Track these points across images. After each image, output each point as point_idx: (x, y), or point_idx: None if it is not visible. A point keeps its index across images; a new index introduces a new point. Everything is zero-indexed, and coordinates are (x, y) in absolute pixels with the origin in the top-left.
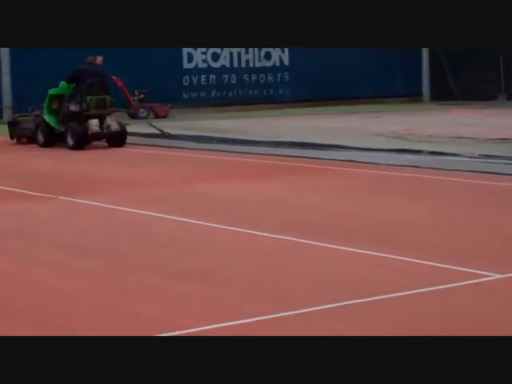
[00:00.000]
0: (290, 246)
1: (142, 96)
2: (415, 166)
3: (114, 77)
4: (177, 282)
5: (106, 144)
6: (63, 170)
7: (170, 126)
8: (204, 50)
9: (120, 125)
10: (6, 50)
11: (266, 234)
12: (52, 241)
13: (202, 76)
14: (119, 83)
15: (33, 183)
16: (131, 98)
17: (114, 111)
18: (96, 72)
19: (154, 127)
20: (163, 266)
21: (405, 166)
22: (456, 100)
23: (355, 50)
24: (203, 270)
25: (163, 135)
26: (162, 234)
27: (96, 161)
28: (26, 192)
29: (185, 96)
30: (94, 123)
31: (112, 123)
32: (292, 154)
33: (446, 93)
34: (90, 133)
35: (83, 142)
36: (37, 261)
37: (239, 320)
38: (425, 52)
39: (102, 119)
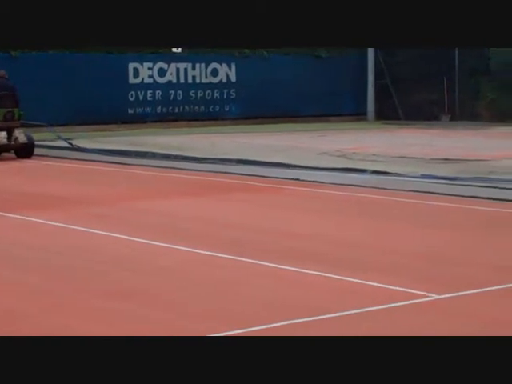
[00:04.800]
0: (229, 265)
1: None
2: (359, 186)
3: None
4: (110, 299)
5: (14, 155)
6: None
7: (115, 141)
8: (150, 65)
9: (28, 137)
10: None
11: (205, 252)
12: None
13: (148, 91)
14: None
15: None
16: None
17: (23, 124)
18: (4, 85)
19: (64, 139)
20: (98, 283)
21: (349, 184)
22: (400, 120)
23: (302, 68)
24: (137, 288)
25: (72, 147)
26: (97, 250)
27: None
28: None
29: (130, 111)
30: (1, 135)
31: (20, 135)
32: (236, 172)
33: (390, 112)
34: None
35: None
36: None
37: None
38: (370, 72)
39: (10, 131)
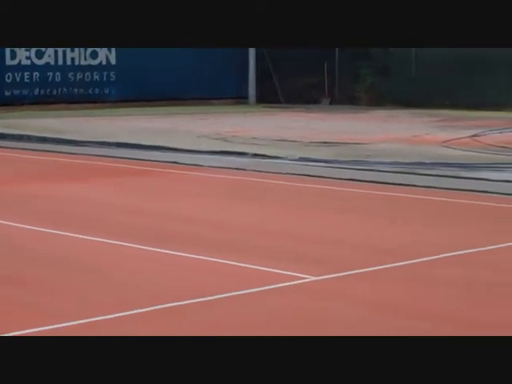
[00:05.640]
0: (111, 249)
1: None
2: (239, 169)
3: None
4: None
5: None
6: None
7: None
8: None
9: None
10: None
11: (87, 237)
12: None
13: (26, 73)
14: None
15: None
16: None
17: None
18: None
19: None
20: None
21: (228, 168)
22: (281, 103)
23: (183, 50)
24: (19, 275)
25: None
26: None
27: None
28: None
29: (7, 93)
30: None
31: None
32: (116, 155)
33: (271, 96)
34: None
35: None
36: None
37: (54, 324)
38: (251, 56)
39: None
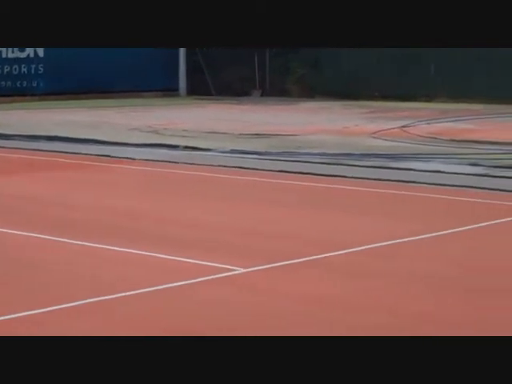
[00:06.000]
0: (40, 244)
1: None
2: (170, 161)
3: None
4: None
5: None
6: None
7: None
8: None
9: None
10: None
11: (16, 232)
12: None
13: None
14: None
15: None
16: None
17: None
18: None
19: None
20: None
21: (160, 160)
22: (212, 95)
23: None
24: None
25: None
26: None
27: None
28: None
29: None
30: None
31: None
32: (46, 149)
33: (202, 88)
34: None
35: None
36: None
37: None
38: (182, 48)
39: None
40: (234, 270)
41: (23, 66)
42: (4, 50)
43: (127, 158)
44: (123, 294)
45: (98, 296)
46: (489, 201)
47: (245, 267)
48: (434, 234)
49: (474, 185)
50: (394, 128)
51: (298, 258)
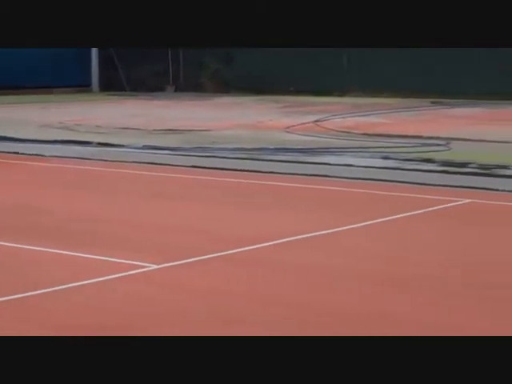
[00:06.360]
0: None
1: None
2: (83, 158)
3: None
4: None
5: None
6: None
7: None
8: None
9: None
10: None
11: None
12: None
13: None
14: None
15: None
16: None
17: None
18: None
19: None
20: None
21: (72, 157)
22: (126, 91)
23: None
24: None
25: None
26: None
27: None
28: None
29: None
30: None
31: None
32: None
33: (116, 84)
34: None
35: None
36: None
37: None
38: None
39: None
40: (147, 267)
41: None
42: None
43: (39, 155)
44: (26, 295)
45: (6, 295)
46: (400, 194)
47: (157, 263)
48: (345, 228)
49: (385, 178)
50: (308, 122)
51: (210, 254)
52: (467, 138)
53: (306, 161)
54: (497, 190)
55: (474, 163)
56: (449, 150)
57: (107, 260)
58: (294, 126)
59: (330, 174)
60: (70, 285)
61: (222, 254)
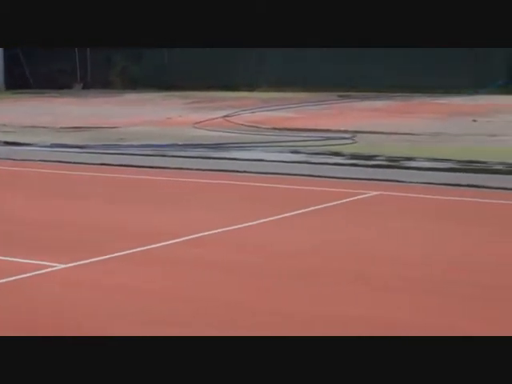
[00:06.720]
0: None
1: None
2: None
3: None
4: None
5: None
6: None
7: None
8: None
9: None
10: None
11: None
12: None
13: None
14: None
15: None
16: None
17: None
18: None
19: None
20: None
21: None
22: (32, 89)
23: None
24: None
25: None
26: None
27: None
28: None
29: None
30: None
31: None
32: None
33: (21, 82)
34: None
35: None
36: None
37: None
38: None
39: None
40: (53, 267)
41: None
42: None
43: None
44: None
45: None
46: (310, 187)
47: (65, 263)
48: (255, 222)
49: (295, 172)
50: (216, 118)
51: (119, 252)
52: (374, 130)
53: (215, 156)
54: (404, 181)
55: (381, 156)
56: (355, 142)
57: (12, 261)
58: (202, 121)
59: (240, 169)
60: None
61: (131, 251)
